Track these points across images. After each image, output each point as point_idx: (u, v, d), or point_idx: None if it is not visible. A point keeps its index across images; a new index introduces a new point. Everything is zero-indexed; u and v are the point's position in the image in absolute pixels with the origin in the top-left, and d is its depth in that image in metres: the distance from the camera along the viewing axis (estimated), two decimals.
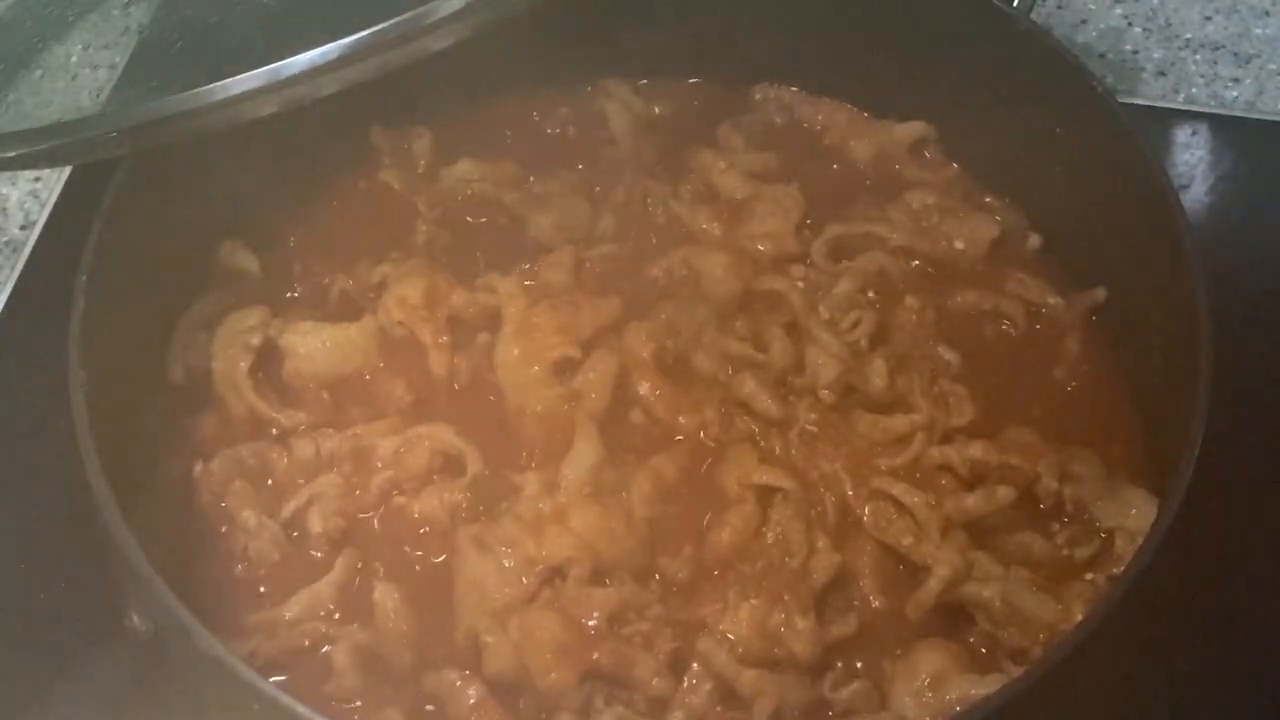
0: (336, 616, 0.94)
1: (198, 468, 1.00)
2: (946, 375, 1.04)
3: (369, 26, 0.86)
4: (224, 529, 0.99)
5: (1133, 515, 0.95)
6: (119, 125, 0.90)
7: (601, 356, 1.02)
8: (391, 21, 0.84)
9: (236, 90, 0.88)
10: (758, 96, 1.24)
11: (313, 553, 0.97)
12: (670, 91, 1.26)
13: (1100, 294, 1.10)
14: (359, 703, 0.91)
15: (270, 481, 1.01)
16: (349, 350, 1.05)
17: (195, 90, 0.87)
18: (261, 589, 0.96)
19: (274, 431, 1.03)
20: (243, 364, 1.03)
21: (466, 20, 0.85)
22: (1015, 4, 1.16)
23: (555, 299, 1.05)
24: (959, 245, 1.13)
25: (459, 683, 0.90)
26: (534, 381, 1.02)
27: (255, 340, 1.04)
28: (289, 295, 1.11)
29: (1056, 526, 0.97)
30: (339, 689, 0.91)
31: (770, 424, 1.01)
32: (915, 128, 1.20)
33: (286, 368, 1.05)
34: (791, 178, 1.16)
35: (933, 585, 0.91)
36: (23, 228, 1.35)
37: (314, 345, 1.05)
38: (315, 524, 0.97)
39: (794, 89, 1.23)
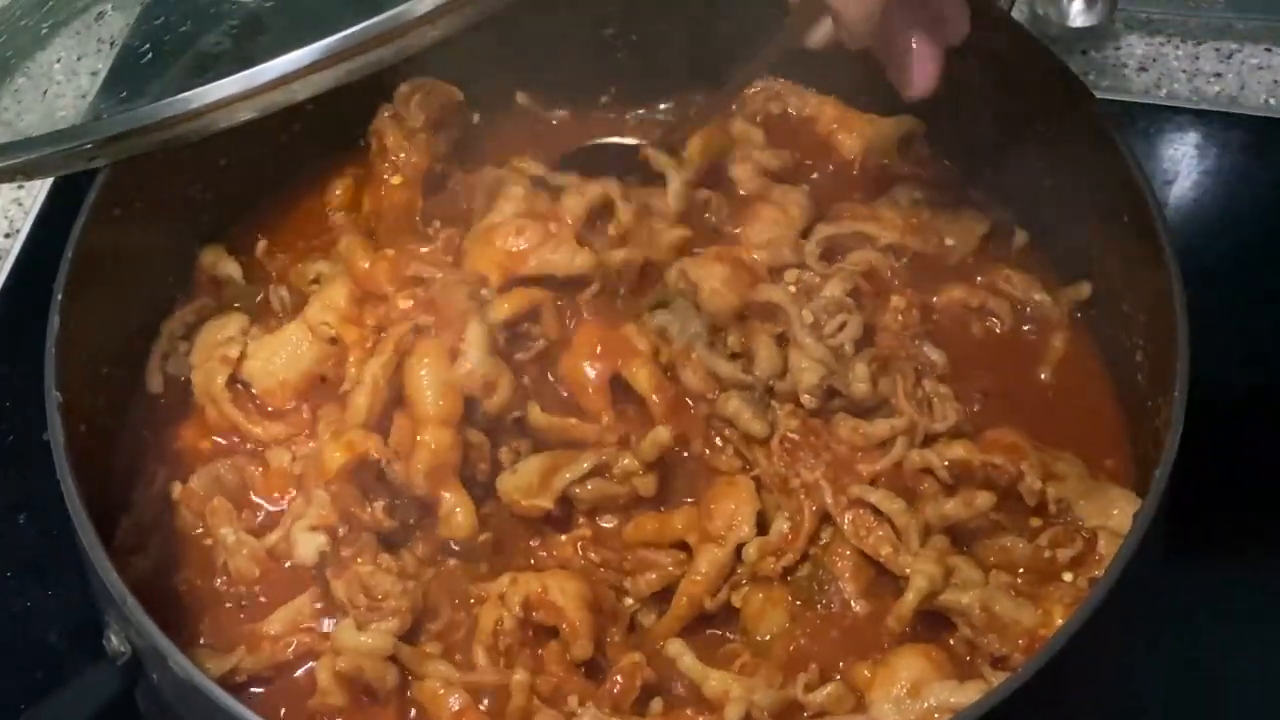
0: (319, 629, 0.94)
1: (176, 488, 1.00)
2: (931, 376, 1.03)
3: (343, 30, 0.86)
4: (206, 543, 0.99)
5: (1115, 515, 0.94)
6: (95, 136, 0.90)
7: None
8: (361, 25, 0.84)
9: (212, 98, 0.87)
10: (750, 90, 1.22)
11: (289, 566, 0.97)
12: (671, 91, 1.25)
13: (1085, 289, 1.10)
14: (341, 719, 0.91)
15: (250, 495, 1.00)
16: (297, 352, 1.04)
17: (170, 99, 0.86)
18: (244, 602, 0.96)
19: (249, 446, 1.03)
20: (219, 378, 1.03)
21: (439, 23, 0.85)
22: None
23: None
24: (949, 241, 1.13)
25: (441, 690, 0.90)
26: None
27: (233, 352, 1.04)
28: (261, 300, 1.11)
29: (1039, 526, 0.96)
30: (322, 705, 0.91)
31: (753, 440, 1.01)
32: (903, 121, 1.19)
33: (257, 388, 1.04)
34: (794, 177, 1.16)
35: (910, 599, 0.91)
36: (6, 236, 1.35)
37: (269, 356, 1.04)
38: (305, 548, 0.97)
39: (783, 80, 1.22)
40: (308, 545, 0.95)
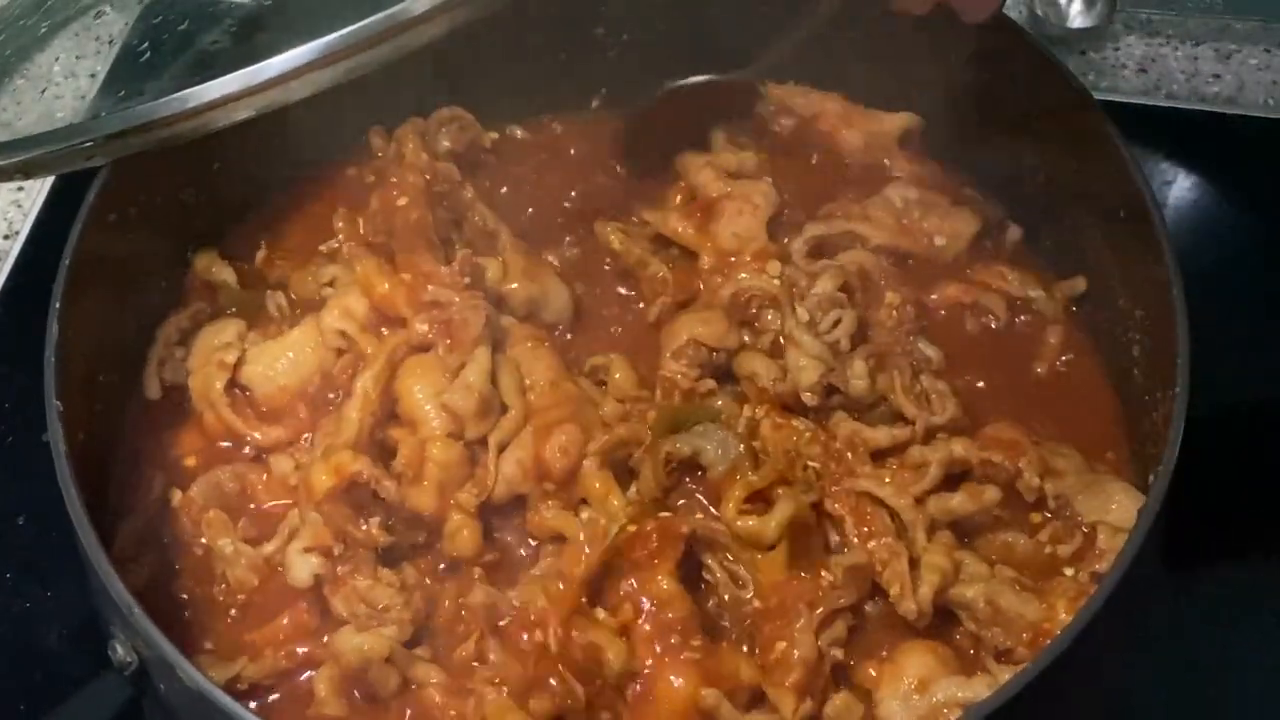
0: (319, 637, 0.94)
1: (176, 496, 1.00)
2: (928, 372, 1.03)
3: (341, 29, 0.86)
4: (204, 552, 0.98)
5: (1114, 510, 0.94)
6: (93, 134, 0.90)
7: None
8: (359, 24, 0.84)
9: (210, 96, 0.87)
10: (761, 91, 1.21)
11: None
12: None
13: (1080, 284, 1.10)
14: None
15: (250, 503, 1.00)
16: (300, 358, 1.04)
17: (168, 98, 0.86)
18: (244, 610, 0.96)
19: (248, 451, 1.02)
20: (218, 383, 1.03)
21: (437, 21, 0.85)
22: None
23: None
24: (939, 242, 1.13)
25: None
26: None
27: (230, 357, 1.04)
28: (257, 305, 1.10)
29: (1039, 522, 0.97)
30: (320, 716, 0.90)
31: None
32: (903, 118, 1.18)
33: (257, 393, 1.04)
34: (771, 173, 1.15)
35: (925, 592, 0.91)
36: (5, 237, 1.35)
37: (271, 361, 1.04)
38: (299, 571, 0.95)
39: (790, 84, 1.21)
40: (301, 567, 0.94)
